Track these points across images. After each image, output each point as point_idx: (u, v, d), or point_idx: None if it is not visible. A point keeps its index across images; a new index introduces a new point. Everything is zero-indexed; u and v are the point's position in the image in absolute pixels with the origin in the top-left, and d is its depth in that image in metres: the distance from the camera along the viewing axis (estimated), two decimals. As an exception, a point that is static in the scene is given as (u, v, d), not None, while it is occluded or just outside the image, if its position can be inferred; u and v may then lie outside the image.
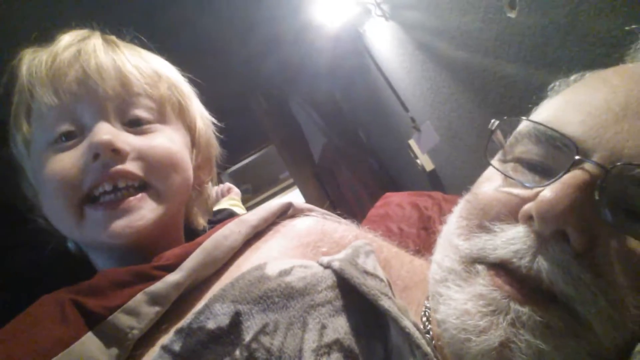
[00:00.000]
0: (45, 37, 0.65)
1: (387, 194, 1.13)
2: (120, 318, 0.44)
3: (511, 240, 0.39)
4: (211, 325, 0.41)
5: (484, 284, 0.40)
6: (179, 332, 0.42)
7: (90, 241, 0.58)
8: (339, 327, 0.42)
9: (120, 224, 0.55)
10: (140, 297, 0.46)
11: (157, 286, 0.48)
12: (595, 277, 0.36)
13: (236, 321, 0.41)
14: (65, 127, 0.58)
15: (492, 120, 0.49)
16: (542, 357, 0.35)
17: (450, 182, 2.26)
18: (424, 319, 0.50)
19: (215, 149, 0.78)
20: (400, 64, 2.22)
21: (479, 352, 0.37)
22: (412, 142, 2.41)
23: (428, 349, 0.39)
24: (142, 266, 0.51)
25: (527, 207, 0.39)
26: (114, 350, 0.43)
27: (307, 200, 3.36)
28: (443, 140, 2.11)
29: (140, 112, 0.61)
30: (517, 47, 1.33)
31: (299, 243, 0.59)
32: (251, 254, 0.58)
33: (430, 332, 0.47)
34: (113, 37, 0.67)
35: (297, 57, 2.69)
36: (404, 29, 2.07)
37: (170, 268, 0.51)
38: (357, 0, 2.18)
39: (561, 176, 0.38)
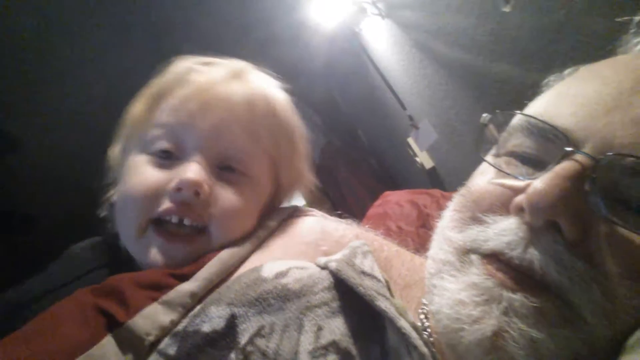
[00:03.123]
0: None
1: (386, 192, 1.13)
2: (138, 322, 0.44)
3: (503, 231, 0.39)
4: (206, 328, 0.41)
5: (478, 272, 0.40)
6: (174, 335, 0.41)
7: (140, 256, 0.61)
8: (336, 328, 0.42)
9: (172, 258, 0.58)
10: (156, 305, 0.46)
11: (171, 295, 0.47)
12: (589, 267, 0.36)
13: (232, 324, 0.41)
14: (170, 146, 0.61)
15: (484, 115, 0.48)
16: (536, 346, 0.35)
17: (449, 179, 2.25)
18: (422, 316, 0.49)
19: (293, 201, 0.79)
20: (397, 62, 2.22)
21: (473, 342, 0.37)
22: (410, 140, 2.40)
23: (425, 349, 0.39)
24: (159, 274, 0.52)
25: (519, 198, 0.39)
26: (130, 357, 0.42)
27: (307, 202, 3.35)
28: (441, 137, 2.11)
29: (237, 164, 0.64)
30: (512, 43, 1.33)
31: (300, 241, 0.59)
32: (254, 256, 0.58)
33: (428, 330, 0.47)
34: (266, 80, 0.71)
35: (293, 57, 2.69)
36: (400, 27, 2.06)
37: (185, 277, 0.51)
38: (352, -1, 2.18)
39: (552, 167, 0.38)
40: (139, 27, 1.79)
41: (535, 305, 0.36)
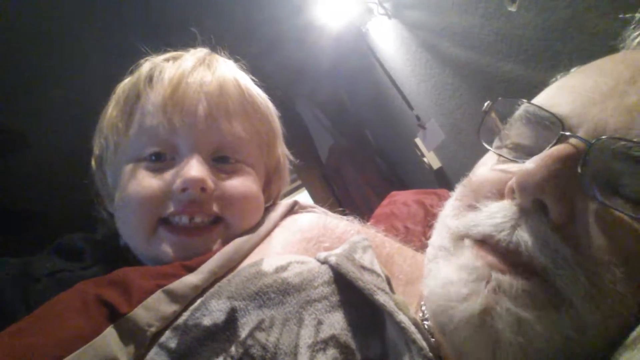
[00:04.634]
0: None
1: (393, 192, 1.13)
2: (140, 314, 0.44)
3: (493, 214, 0.40)
4: (207, 321, 0.41)
5: (468, 255, 0.41)
6: (175, 329, 0.42)
7: (154, 256, 0.60)
8: (335, 322, 0.42)
9: (189, 252, 0.57)
10: (158, 294, 0.46)
11: (175, 284, 0.48)
12: (574, 250, 0.36)
13: (232, 317, 0.41)
14: (160, 148, 0.60)
15: (487, 102, 0.49)
16: (523, 326, 0.35)
17: (457, 179, 2.23)
18: (423, 312, 0.49)
19: (286, 183, 0.80)
20: (404, 62, 2.21)
21: (462, 319, 0.37)
22: (418, 141, 2.40)
23: (423, 343, 0.39)
24: (170, 266, 0.52)
25: (511, 181, 0.40)
26: (131, 348, 0.42)
27: (315, 201, 3.35)
28: (448, 137, 2.10)
29: (232, 153, 0.64)
30: (518, 42, 1.32)
31: (301, 237, 0.59)
32: (256, 251, 0.59)
33: (430, 325, 0.47)
34: (232, 65, 0.70)
35: (300, 57, 2.69)
36: (407, 27, 2.06)
37: (194, 269, 0.51)
38: (359, -1, 2.18)
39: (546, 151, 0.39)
40: (142, 26, 1.80)
41: (523, 287, 0.36)
